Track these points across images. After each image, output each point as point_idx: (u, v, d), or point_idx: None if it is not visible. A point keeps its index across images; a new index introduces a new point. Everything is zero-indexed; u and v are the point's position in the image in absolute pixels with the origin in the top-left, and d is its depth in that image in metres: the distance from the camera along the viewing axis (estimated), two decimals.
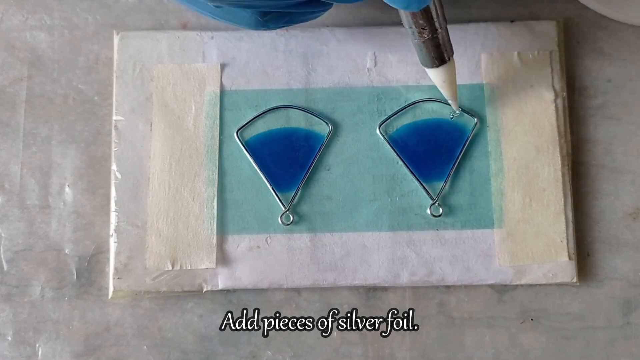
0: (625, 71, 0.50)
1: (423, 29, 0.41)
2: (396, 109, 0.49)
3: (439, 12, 0.40)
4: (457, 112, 0.48)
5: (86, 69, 0.51)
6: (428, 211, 0.47)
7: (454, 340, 0.47)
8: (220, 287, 0.47)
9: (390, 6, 0.36)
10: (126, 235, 0.47)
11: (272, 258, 0.47)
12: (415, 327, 0.47)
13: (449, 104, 0.48)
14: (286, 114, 0.49)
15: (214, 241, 0.47)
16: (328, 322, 0.48)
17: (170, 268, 0.47)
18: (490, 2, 0.51)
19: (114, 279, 0.47)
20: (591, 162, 0.49)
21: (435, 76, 0.45)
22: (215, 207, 0.47)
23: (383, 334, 0.47)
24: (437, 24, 0.41)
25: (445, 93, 0.46)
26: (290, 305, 0.48)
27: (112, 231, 0.47)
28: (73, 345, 0.47)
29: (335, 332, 0.47)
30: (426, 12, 0.40)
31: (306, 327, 0.48)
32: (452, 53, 0.44)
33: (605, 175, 0.49)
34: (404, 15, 0.40)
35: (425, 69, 0.44)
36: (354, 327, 0.47)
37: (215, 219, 0.47)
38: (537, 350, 0.47)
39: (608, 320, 0.47)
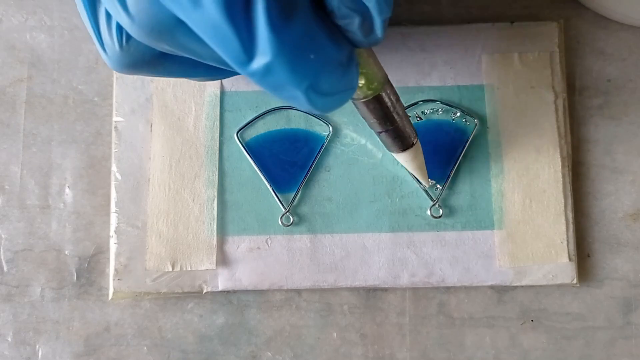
0: (625, 71, 0.50)
1: (380, 122, 0.40)
2: None
3: (393, 104, 0.39)
4: (429, 184, 0.48)
5: (86, 70, 0.50)
6: (428, 212, 0.47)
7: (454, 341, 0.47)
8: (220, 288, 0.47)
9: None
10: (126, 236, 0.47)
11: (272, 259, 0.47)
12: (415, 327, 0.47)
13: (450, 105, 0.48)
14: (286, 115, 0.49)
15: (214, 242, 0.47)
16: (328, 322, 0.48)
17: (171, 269, 0.47)
18: (491, 3, 0.51)
19: (114, 280, 0.47)
20: (591, 162, 0.49)
21: (401, 159, 0.44)
22: (216, 208, 0.47)
23: (383, 334, 0.47)
24: (393, 115, 0.39)
25: (414, 173, 0.46)
26: (290, 306, 0.48)
27: (112, 232, 0.47)
28: (73, 345, 0.47)
29: (335, 332, 0.47)
30: (380, 107, 0.38)
31: (306, 327, 0.48)
32: (416, 136, 0.43)
33: (606, 175, 0.49)
34: (358, 109, 0.39)
35: (391, 153, 0.44)
36: (354, 327, 0.47)
37: (215, 220, 0.47)
38: (537, 350, 0.47)
39: (608, 320, 0.47)
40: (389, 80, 0.38)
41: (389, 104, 0.38)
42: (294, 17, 0.28)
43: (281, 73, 0.28)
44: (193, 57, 0.32)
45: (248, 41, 0.27)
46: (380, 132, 0.41)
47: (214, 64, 0.33)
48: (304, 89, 0.29)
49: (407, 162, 0.44)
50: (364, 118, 0.40)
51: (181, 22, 0.29)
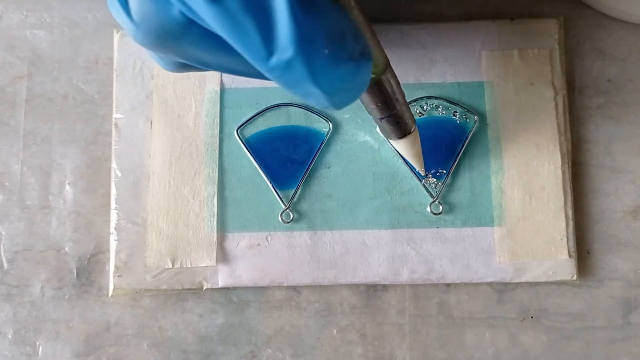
0: (625, 71, 0.50)
1: (380, 108, 0.39)
2: None
3: (394, 89, 0.38)
4: (424, 174, 0.47)
5: (86, 68, 0.51)
6: (428, 209, 0.47)
7: (454, 340, 0.47)
8: (220, 285, 0.47)
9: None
10: (126, 233, 0.47)
11: (272, 256, 0.47)
12: (415, 327, 0.47)
13: (450, 102, 0.48)
14: (286, 112, 0.49)
15: (214, 239, 0.47)
16: (328, 321, 0.47)
17: (171, 266, 0.47)
18: (491, 1, 0.51)
19: (114, 276, 0.47)
20: (591, 161, 0.49)
21: (399, 147, 0.44)
22: (216, 205, 0.47)
23: (383, 333, 0.47)
24: (393, 101, 0.39)
25: (411, 161, 0.46)
26: (290, 304, 0.48)
27: (112, 229, 0.47)
28: (73, 344, 0.47)
29: (335, 332, 0.47)
30: (380, 92, 0.38)
31: (306, 326, 0.48)
32: (414, 123, 0.42)
33: (605, 175, 0.49)
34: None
35: (388, 140, 0.43)
36: (354, 326, 0.47)
37: (215, 217, 0.47)
38: (537, 349, 0.47)
39: (608, 320, 0.47)
40: (390, 66, 0.37)
41: (389, 89, 0.38)
42: (315, 11, 0.27)
43: (300, 69, 0.28)
44: (200, 66, 0.32)
45: (269, 36, 0.27)
46: (380, 119, 0.40)
47: (219, 71, 0.32)
48: (321, 84, 0.29)
49: (404, 150, 0.44)
50: (363, 104, 0.39)
51: (187, 29, 0.28)
